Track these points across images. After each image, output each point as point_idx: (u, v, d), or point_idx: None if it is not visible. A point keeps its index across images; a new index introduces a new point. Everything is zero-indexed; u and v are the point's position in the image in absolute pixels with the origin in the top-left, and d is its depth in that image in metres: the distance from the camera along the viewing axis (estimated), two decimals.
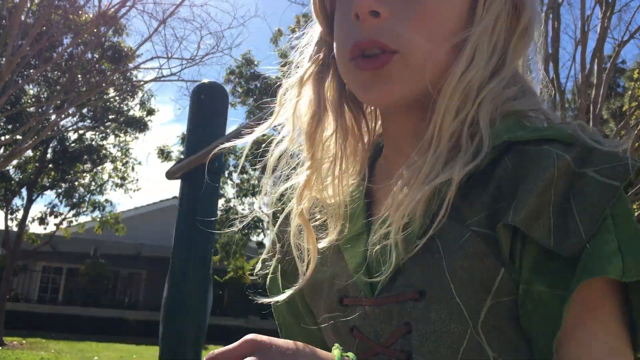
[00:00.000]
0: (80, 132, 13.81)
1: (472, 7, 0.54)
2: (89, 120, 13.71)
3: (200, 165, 1.56)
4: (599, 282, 0.44)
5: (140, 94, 13.57)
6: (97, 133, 14.09)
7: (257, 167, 0.66)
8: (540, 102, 0.56)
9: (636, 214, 9.27)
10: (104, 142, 14.38)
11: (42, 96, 12.10)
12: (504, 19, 0.55)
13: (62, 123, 12.57)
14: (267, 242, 0.69)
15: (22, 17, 8.27)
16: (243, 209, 15.45)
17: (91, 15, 9.96)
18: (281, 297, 0.61)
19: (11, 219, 13.84)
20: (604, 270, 0.42)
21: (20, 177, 13.51)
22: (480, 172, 0.50)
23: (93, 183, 14.58)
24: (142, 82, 12.46)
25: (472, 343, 0.47)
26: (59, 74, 11.44)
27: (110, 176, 14.74)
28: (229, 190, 15.57)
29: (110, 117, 13.55)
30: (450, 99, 0.51)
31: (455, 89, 0.52)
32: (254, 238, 15.61)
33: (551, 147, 0.47)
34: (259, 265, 0.66)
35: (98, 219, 14.41)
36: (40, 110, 10.45)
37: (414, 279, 0.50)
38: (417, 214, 0.50)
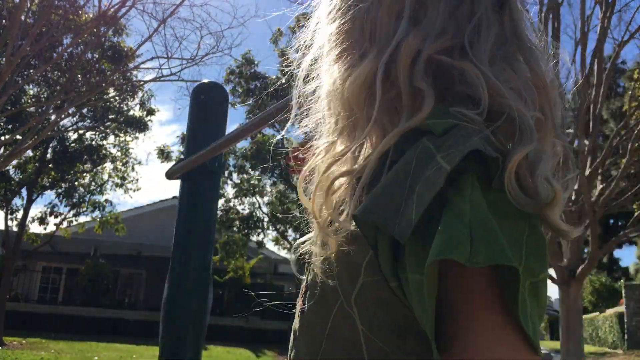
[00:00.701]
0: (80, 132, 13.80)
1: None
2: (89, 120, 13.70)
3: (200, 165, 1.56)
4: (480, 273, 0.45)
5: (140, 93, 13.57)
6: (97, 133, 14.09)
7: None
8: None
9: (636, 213, 9.28)
10: (104, 142, 14.38)
11: (42, 96, 12.10)
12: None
13: (62, 123, 12.57)
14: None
15: (22, 17, 8.27)
16: (243, 209, 15.45)
17: (91, 16, 9.95)
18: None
19: (11, 219, 13.84)
20: (447, 253, 0.43)
21: (20, 177, 13.50)
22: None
23: (93, 183, 14.58)
24: (142, 82, 12.46)
25: (343, 313, 0.54)
26: (59, 74, 11.43)
27: (110, 176, 14.74)
28: (229, 190, 15.57)
29: (110, 117, 13.55)
30: None
31: None
32: (254, 238, 15.62)
33: (426, 138, 0.50)
34: None
35: (98, 219, 14.40)
36: (40, 110, 10.45)
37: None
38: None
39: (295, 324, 0.63)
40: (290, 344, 0.64)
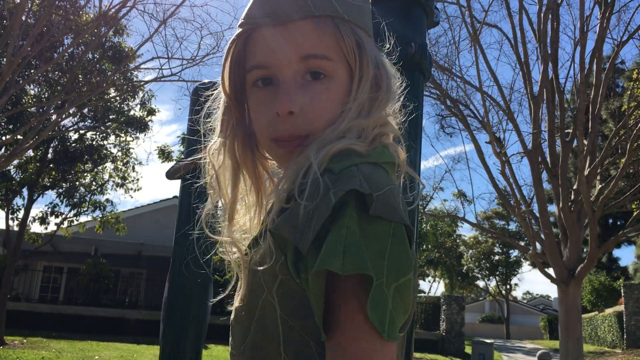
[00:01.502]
0: (81, 132, 13.82)
1: (349, 90, 0.77)
2: (89, 120, 13.72)
3: (200, 165, 1.59)
4: (351, 279, 0.61)
5: (140, 94, 13.59)
6: (98, 133, 14.10)
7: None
8: (351, 142, 0.71)
9: (635, 213, 9.30)
10: (105, 142, 14.39)
11: (43, 96, 12.12)
12: (368, 92, 0.77)
13: (62, 123, 12.59)
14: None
15: (23, 18, 8.29)
16: None
17: (92, 16, 9.98)
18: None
19: (12, 219, 13.86)
20: (325, 265, 0.59)
21: (21, 177, 13.52)
22: None
23: (94, 183, 14.59)
24: (142, 82, 12.48)
25: (268, 302, 0.71)
26: (60, 74, 11.46)
27: (110, 176, 14.75)
28: None
29: (110, 117, 13.56)
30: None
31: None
32: None
33: (325, 176, 0.65)
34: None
35: (99, 219, 14.42)
36: (41, 110, 10.47)
37: (252, 256, 0.76)
38: (261, 219, 0.82)
39: (232, 316, 0.81)
40: (230, 334, 0.81)
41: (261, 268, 0.71)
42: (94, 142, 14.13)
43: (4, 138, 11.36)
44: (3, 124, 12.13)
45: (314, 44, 0.74)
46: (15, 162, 12.68)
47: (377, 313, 0.59)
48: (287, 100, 0.73)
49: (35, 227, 14.52)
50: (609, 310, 21.07)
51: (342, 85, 0.76)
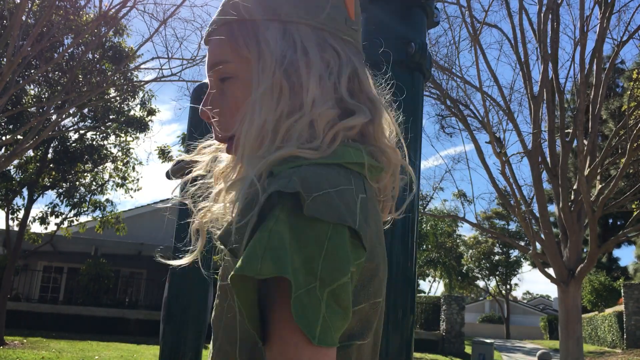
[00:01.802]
0: (81, 132, 13.82)
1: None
2: (89, 120, 13.72)
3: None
4: (281, 285, 0.60)
5: (140, 94, 13.60)
6: (98, 133, 14.10)
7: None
8: (290, 150, 0.68)
9: (635, 213, 9.30)
10: (105, 142, 14.40)
11: (43, 96, 12.13)
12: (275, 75, 0.74)
13: (63, 123, 12.60)
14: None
15: (23, 18, 8.30)
16: None
17: (92, 16, 9.98)
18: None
19: (12, 219, 13.86)
20: (243, 270, 0.58)
21: (21, 177, 13.52)
22: None
23: (94, 183, 14.60)
24: (142, 82, 12.49)
25: (230, 306, 0.73)
26: (60, 74, 11.46)
27: (111, 176, 14.76)
28: None
29: (111, 117, 13.57)
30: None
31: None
32: None
33: (266, 180, 0.66)
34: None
35: (99, 219, 14.42)
36: (41, 110, 10.47)
37: (223, 263, 0.78)
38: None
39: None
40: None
41: (224, 283, 0.74)
42: (94, 142, 14.14)
43: (4, 138, 11.37)
44: (3, 124, 12.13)
45: (215, 53, 0.82)
46: (15, 162, 12.68)
47: (306, 318, 0.58)
48: (202, 106, 0.82)
49: (35, 227, 14.57)
50: (609, 310, 21.08)
51: (249, 82, 0.78)
